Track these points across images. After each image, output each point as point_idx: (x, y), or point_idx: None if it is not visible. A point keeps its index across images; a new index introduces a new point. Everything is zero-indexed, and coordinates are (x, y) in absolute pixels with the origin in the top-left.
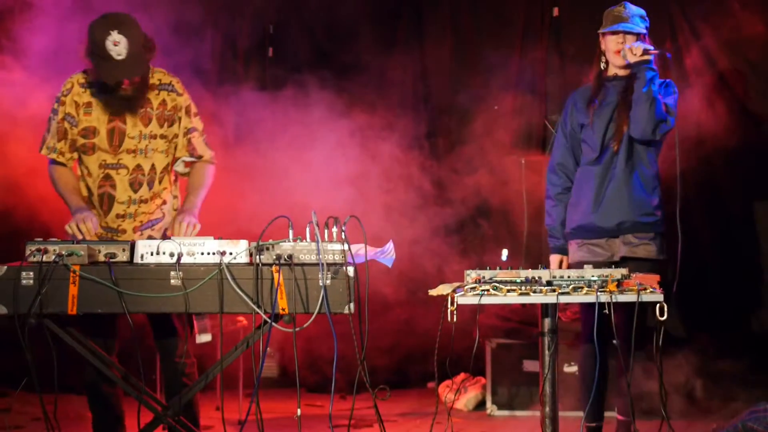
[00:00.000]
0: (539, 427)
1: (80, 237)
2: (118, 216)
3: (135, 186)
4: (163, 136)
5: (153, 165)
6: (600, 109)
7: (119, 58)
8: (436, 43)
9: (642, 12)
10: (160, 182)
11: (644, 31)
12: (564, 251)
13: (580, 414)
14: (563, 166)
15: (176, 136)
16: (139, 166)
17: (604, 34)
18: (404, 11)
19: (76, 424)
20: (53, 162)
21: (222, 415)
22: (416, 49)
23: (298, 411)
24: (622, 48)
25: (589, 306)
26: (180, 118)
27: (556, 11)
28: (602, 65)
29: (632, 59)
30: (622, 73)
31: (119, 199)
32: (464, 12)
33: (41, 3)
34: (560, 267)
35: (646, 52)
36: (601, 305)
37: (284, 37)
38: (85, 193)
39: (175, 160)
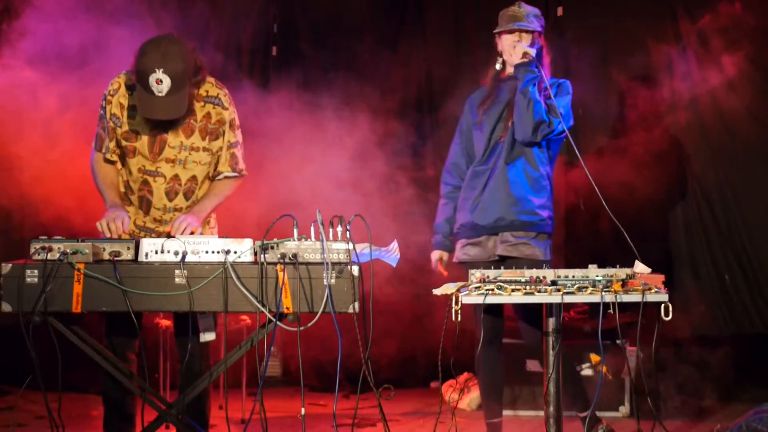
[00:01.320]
0: (543, 427)
1: (109, 235)
2: (155, 220)
3: (171, 195)
4: (206, 149)
5: (194, 176)
6: (490, 109)
7: (159, 95)
8: (440, 43)
9: (537, 11)
10: (199, 192)
11: (540, 29)
12: (445, 247)
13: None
14: (456, 166)
15: (221, 149)
16: (176, 176)
17: (500, 33)
18: (407, 11)
19: (80, 422)
20: (105, 160)
21: (226, 413)
22: (419, 48)
23: (302, 410)
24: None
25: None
26: (224, 132)
27: (560, 11)
28: (498, 66)
29: (515, 60)
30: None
31: (155, 205)
32: (468, 12)
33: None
34: (441, 263)
35: (524, 54)
36: (608, 305)
37: (288, 37)
38: (122, 189)
39: (217, 173)
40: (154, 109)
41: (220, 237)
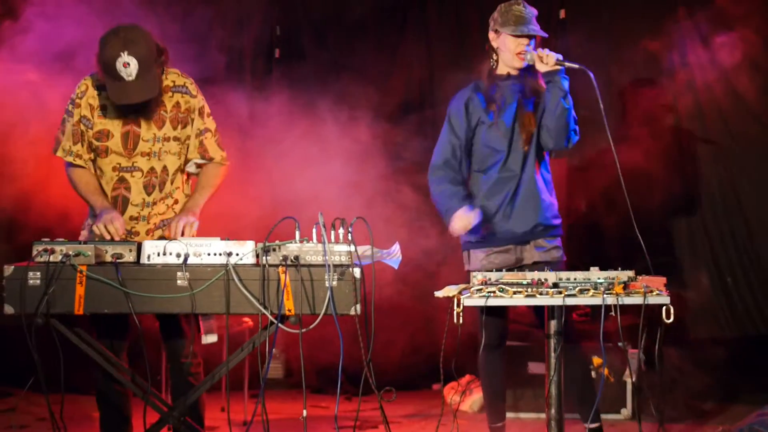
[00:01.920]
0: (545, 429)
1: (108, 238)
2: (131, 218)
3: (149, 189)
4: (176, 138)
5: (165, 167)
6: (502, 109)
7: (129, 79)
8: (442, 45)
9: (536, 12)
10: (172, 183)
11: (545, 34)
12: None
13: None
14: (449, 164)
15: (188, 137)
16: (152, 169)
17: (499, 32)
18: (409, 13)
19: (82, 424)
20: (71, 165)
21: (228, 415)
22: (422, 50)
23: (304, 412)
24: (524, 51)
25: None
26: (193, 120)
27: (562, 13)
28: (492, 63)
29: (542, 68)
30: (514, 72)
31: (133, 201)
32: (470, 14)
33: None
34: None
35: (559, 62)
36: (609, 308)
37: (291, 39)
38: None
39: (187, 161)
40: (128, 94)
41: (221, 239)
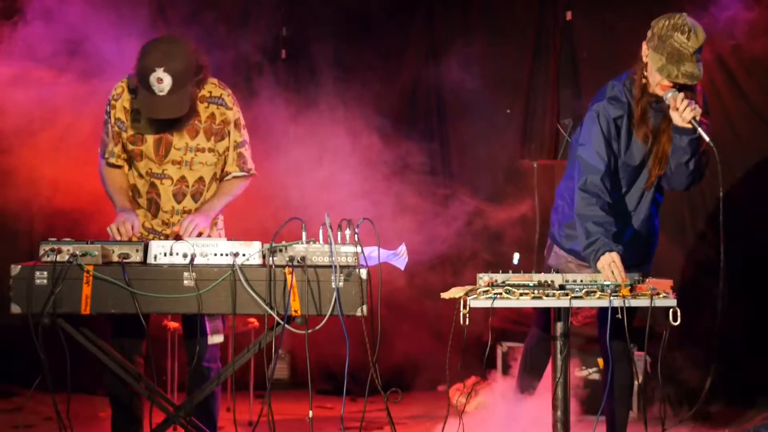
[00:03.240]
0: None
1: (119, 238)
2: (163, 222)
3: (179, 197)
4: (211, 150)
5: (201, 177)
6: (646, 142)
7: (160, 94)
8: (448, 45)
9: (703, 39)
10: (208, 192)
11: (700, 76)
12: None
13: (593, 418)
14: (605, 180)
15: (227, 149)
16: (183, 178)
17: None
18: (416, 16)
19: (88, 424)
20: (109, 165)
21: (233, 416)
22: (428, 51)
23: (310, 413)
24: (670, 90)
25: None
26: (230, 132)
27: (569, 15)
28: (643, 77)
29: (675, 118)
30: (659, 94)
31: (163, 207)
32: (476, 15)
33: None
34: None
35: (693, 124)
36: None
37: (298, 40)
38: (130, 192)
39: (225, 173)
40: (156, 108)
41: (228, 239)
